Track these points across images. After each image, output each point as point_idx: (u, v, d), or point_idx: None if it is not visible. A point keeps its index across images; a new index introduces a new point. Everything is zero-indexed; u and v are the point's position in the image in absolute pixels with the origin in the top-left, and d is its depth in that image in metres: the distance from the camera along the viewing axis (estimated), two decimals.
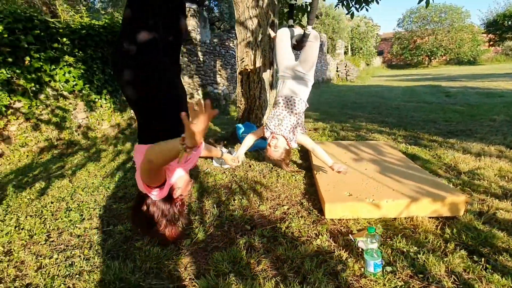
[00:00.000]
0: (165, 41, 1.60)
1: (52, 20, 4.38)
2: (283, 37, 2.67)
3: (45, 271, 1.61)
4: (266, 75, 3.70)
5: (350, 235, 1.73)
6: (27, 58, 4.04)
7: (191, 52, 7.22)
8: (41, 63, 4.19)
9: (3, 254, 1.82)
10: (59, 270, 1.61)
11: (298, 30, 2.69)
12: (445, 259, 1.50)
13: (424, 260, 1.50)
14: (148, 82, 1.44)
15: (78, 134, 4.81)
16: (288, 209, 2.15)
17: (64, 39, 4.42)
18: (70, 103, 4.71)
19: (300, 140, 2.50)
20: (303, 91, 2.53)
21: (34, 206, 2.52)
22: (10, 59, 3.85)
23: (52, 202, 2.58)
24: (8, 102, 3.93)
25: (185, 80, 7.07)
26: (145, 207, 1.52)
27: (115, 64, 1.49)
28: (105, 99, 5.18)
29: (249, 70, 3.65)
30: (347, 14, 5.28)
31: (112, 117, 5.34)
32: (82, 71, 4.68)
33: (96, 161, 3.77)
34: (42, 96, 4.34)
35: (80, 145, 4.66)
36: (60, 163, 3.82)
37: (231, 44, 8.66)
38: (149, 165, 1.29)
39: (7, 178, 3.30)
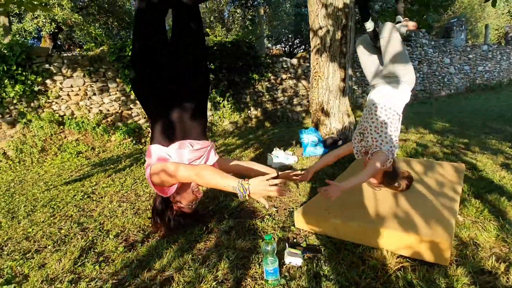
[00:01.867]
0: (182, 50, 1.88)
1: None
2: (360, 45, 2.40)
3: (87, 206, 2.56)
4: (336, 81, 3.60)
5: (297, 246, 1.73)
6: None
7: (305, 59, 7.48)
8: None
9: (99, 198, 2.94)
10: (91, 211, 2.51)
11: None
12: None
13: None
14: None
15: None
16: (276, 211, 2.26)
17: None
18: None
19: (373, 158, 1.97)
20: (390, 97, 2.10)
21: (130, 176, 3.69)
22: None
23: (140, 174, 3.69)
24: None
25: (304, 83, 7.43)
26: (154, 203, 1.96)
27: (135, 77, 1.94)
28: (228, 100, 6.35)
29: (318, 76, 3.68)
30: (486, 1, 4.14)
31: (232, 116, 6.46)
32: (210, 78, 5.98)
33: None
34: None
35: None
36: None
37: None
38: (195, 178, 1.56)
39: (142, 156, 4.84)
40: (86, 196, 2.99)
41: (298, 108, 7.41)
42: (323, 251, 1.71)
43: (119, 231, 2.14)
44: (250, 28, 7.99)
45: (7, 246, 2.07)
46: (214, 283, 1.49)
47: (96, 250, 1.90)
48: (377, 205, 1.98)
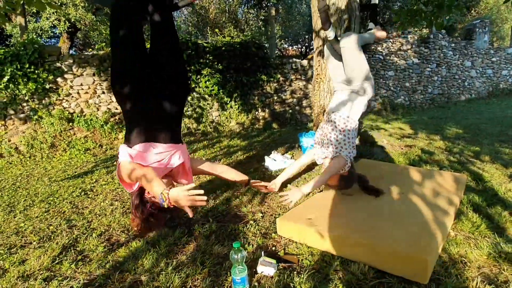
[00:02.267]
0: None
1: (202, 41, 5.88)
2: (327, 52, 2.48)
3: (81, 203, 2.59)
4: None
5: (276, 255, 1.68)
6: None
7: None
8: (190, 74, 5.75)
9: (95, 195, 2.99)
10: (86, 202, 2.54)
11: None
12: None
13: None
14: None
15: (211, 128, 6.19)
16: (262, 216, 2.21)
17: (208, 55, 5.83)
18: (208, 104, 6.15)
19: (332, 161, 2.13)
20: (349, 106, 2.19)
21: None
22: None
23: None
24: None
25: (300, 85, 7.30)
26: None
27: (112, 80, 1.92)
28: (235, 101, 6.34)
29: (320, 79, 3.59)
30: (505, 2, 3.91)
31: (239, 117, 6.45)
32: (218, 79, 5.99)
33: (207, 148, 4.85)
34: (189, 98, 5.94)
35: (210, 135, 6.00)
36: (189, 146, 5.17)
37: (379, 48, 8.03)
38: (137, 179, 1.61)
39: None
40: (83, 193, 3.04)
41: (308, 110, 7.29)
42: (299, 261, 1.65)
43: (104, 230, 2.15)
44: (263, 28, 7.94)
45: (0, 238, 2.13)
46: None
47: (77, 249, 1.92)
48: (363, 215, 1.89)
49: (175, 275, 1.56)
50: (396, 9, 4.19)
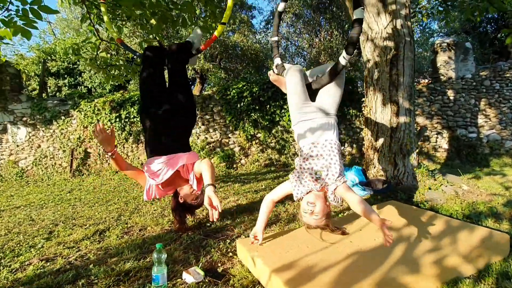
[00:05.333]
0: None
1: None
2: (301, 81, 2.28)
3: (141, 206, 3.29)
4: (386, 117, 3.16)
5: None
6: (267, 106, 6.25)
7: (433, 91, 6.40)
8: (275, 109, 6.25)
9: (156, 203, 3.75)
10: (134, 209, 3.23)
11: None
12: None
13: None
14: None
15: (292, 159, 6.38)
16: (236, 237, 2.31)
17: None
18: (291, 136, 6.42)
19: (342, 193, 1.91)
20: (335, 132, 2.10)
21: None
22: (257, 107, 6.24)
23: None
24: (253, 133, 6.34)
25: (418, 120, 6.41)
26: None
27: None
28: None
29: (368, 110, 3.34)
30: None
31: None
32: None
33: (276, 179, 5.11)
34: (273, 131, 6.41)
35: (291, 167, 6.20)
36: (263, 175, 5.57)
37: None
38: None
39: (233, 177, 5.52)
40: (151, 200, 3.87)
41: None
42: (228, 280, 1.70)
43: (130, 226, 2.76)
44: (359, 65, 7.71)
45: (77, 219, 3.08)
46: (123, 274, 1.80)
47: (104, 234, 2.57)
48: (310, 256, 1.74)
49: (132, 263, 1.92)
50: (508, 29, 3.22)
